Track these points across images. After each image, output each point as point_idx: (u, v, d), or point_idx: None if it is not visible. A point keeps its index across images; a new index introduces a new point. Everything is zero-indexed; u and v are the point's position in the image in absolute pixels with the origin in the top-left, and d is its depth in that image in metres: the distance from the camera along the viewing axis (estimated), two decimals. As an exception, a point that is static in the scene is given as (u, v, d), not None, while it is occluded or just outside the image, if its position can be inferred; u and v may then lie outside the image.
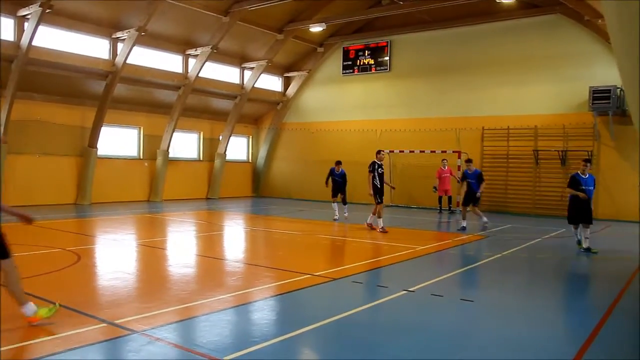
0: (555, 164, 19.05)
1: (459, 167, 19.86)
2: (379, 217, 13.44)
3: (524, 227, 15.44)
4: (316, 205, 21.83)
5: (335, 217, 16.07)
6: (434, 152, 20.45)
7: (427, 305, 6.76)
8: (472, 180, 13.69)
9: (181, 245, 11.53)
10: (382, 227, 13.37)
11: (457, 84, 21.44)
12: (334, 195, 16.27)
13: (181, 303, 6.40)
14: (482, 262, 9.82)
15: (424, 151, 20.67)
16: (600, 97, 17.38)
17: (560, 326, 6.08)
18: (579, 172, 11.37)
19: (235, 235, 13.71)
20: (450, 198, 19.63)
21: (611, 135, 17.98)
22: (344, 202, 16.31)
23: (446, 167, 19.37)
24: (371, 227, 13.79)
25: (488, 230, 13.94)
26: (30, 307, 5.31)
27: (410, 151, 21.02)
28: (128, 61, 19.15)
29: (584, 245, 11.03)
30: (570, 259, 10.52)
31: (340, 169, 16.25)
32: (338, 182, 16.22)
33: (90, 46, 18.89)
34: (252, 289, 7.24)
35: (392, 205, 21.77)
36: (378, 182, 13.74)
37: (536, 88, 19.65)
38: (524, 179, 19.82)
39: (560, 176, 18.97)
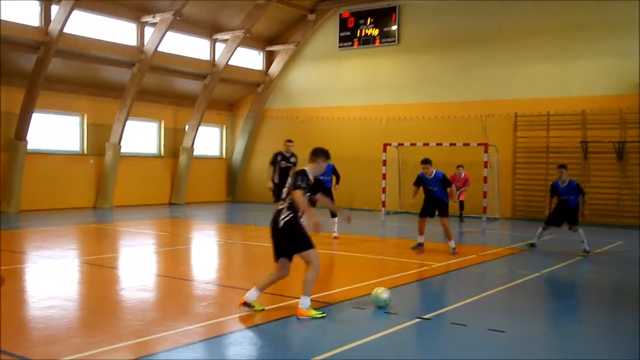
0: (610, 159, 19.14)
1: (485, 162, 19.89)
2: None
3: (568, 238, 15.46)
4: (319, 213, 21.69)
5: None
6: (454, 145, 20.48)
7: (447, 337, 6.76)
8: (434, 186, 12.54)
9: (137, 263, 11.47)
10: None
11: (483, 60, 21.51)
12: (313, 202, 15.02)
13: (136, 336, 6.36)
14: (515, 282, 9.83)
15: (441, 144, 20.70)
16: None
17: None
18: (558, 179, 12.74)
19: (205, 250, 13.67)
20: (462, 203, 19.64)
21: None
22: (333, 212, 14.15)
23: (462, 175, 19.35)
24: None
25: (523, 243, 13.98)
26: (306, 301, 7.18)
27: (424, 144, 21.03)
28: (65, 30, 19.06)
29: (584, 246, 12.54)
30: (628, 280, 10.57)
31: (327, 163, 14.77)
32: (322, 182, 14.01)
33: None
34: (227, 318, 7.21)
35: (401, 212, 21.80)
36: (277, 178, 13.85)
37: (585, 63, 19.75)
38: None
39: (616, 174, 19.08)
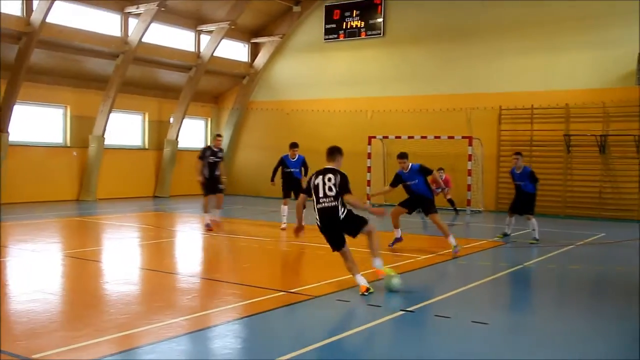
0: (592, 152, 19.29)
1: (470, 156, 19.98)
2: (205, 211, 14.45)
3: (551, 231, 15.61)
4: (293, 205, 21.69)
5: (283, 225, 14.67)
6: (439, 137, 20.56)
7: (431, 329, 6.79)
8: (412, 180, 11.78)
9: (121, 256, 11.42)
10: (208, 223, 14.26)
11: (468, 53, 21.56)
12: (287, 194, 14.87)
13: (120, 330, 6.34)
14: (498, 275, 9.90)
15: (426, 137, 20.77)
16: (652, 67, 17.56)
17: (596, 357, 6.16)
18: (515, 166, 13.43)
19: (190, 243, 13.63)
20: (451, 201, 19.85)
21: (665, 116, 18.26)
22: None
23: (443, 177, 19.50)
24: (209, 228, 14.22)
25: (507, 235, 14.08)
26: (379, 262, 8.42)
27: (410, 137, 21.09)
28: (48, 20, 18.82)
29: (534, 235, 13.12)
30: (610, 272, 10.68)
31: (297, 156, 14.74)
32: (292, 174, 14.74)
33: None
34: (212, 311, 7.21)
35: (386, 205, 21.86)
36: (207, 172, 14.25)
37: (568, 56, 19.86)
38: (551, 171, 20.03)
39: (598, 167, 19.22)
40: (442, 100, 21.75)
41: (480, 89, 21.20)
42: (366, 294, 7.92)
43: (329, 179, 8.31)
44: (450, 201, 19.85)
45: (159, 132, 24.85)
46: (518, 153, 13.66)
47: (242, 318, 6.96)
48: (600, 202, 19.21)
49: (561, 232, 15.49)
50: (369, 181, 21.72)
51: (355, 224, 8.45)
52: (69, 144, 21.96)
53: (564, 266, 10.86)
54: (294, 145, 14.85)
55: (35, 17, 18.65)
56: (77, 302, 7.83)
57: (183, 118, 24.61)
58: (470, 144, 20.08)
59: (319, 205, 8.30)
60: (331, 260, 11.33)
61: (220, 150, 14.59)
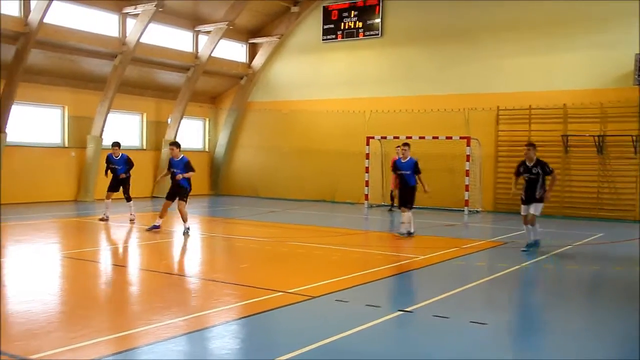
0: (590, 152, 19.32)
1: (468, 156, 19.95)
2: None
3: (549, 231, 15.59)
4: (291, 205, 21.78)
5: (103, 216, 16.04)
6: (437, 138, 20.55)
7: (429, 330, 6.79)
8: (176, 168, 14.16)
9: (119, 257, 11.40)
10: None
11: (466, 54, 21.57)
12: (112, 189, 16.28)
13: (118, 330, 6.33)
14: (496, 275, 9.89)
15: (424, 137, 20.76)
16: (650, 68, 17.57)
17: (594, 357, 6.16)
18: (400, 156, 13.80)
19: (188, 244, 13.62)
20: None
21: (662, 116, 18.27)
22: (127, 197, 16.30)
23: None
24: None
25: (504, 235, 14.08)
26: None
27: (408, 137, 21.06)
28: (45, 20, 18.79)
29: (400, 229, 13.49)
30: (608, 272, 10.68)
31: (121, 155, 16.02)
32: (117, 171, 16.00)
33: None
34: (210, 311, 7.19)
35: (385, 205, 21.86)
36: None
37: (566, 57, 19.87)
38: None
39: (596, 167, 19.25)
40: (440, 100, 21.74)
41: (478, 90, 21.20)
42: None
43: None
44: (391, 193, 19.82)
45: (157, 132, 24.83)
46: (405, 144, 13.79)
47: (240, 318, 6.95)
48: (598, 203, 19.22)
49: (559, 232, 15.50)
50: (367, 181, 21.72)
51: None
52: (66, 145, 21.94)
53: (562, 266, 10.87)
54: (115, 145, 15.97)
55: (33, 18, 18.63)
56: (75, 302, 7.80)
57: (181, 118, 24.59)
58: (468, 145, 20.08)
59: None
60: (329, 261, 11.33)
61: None
